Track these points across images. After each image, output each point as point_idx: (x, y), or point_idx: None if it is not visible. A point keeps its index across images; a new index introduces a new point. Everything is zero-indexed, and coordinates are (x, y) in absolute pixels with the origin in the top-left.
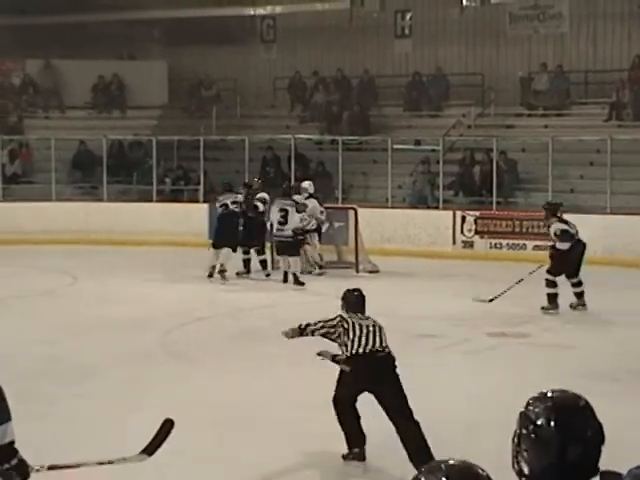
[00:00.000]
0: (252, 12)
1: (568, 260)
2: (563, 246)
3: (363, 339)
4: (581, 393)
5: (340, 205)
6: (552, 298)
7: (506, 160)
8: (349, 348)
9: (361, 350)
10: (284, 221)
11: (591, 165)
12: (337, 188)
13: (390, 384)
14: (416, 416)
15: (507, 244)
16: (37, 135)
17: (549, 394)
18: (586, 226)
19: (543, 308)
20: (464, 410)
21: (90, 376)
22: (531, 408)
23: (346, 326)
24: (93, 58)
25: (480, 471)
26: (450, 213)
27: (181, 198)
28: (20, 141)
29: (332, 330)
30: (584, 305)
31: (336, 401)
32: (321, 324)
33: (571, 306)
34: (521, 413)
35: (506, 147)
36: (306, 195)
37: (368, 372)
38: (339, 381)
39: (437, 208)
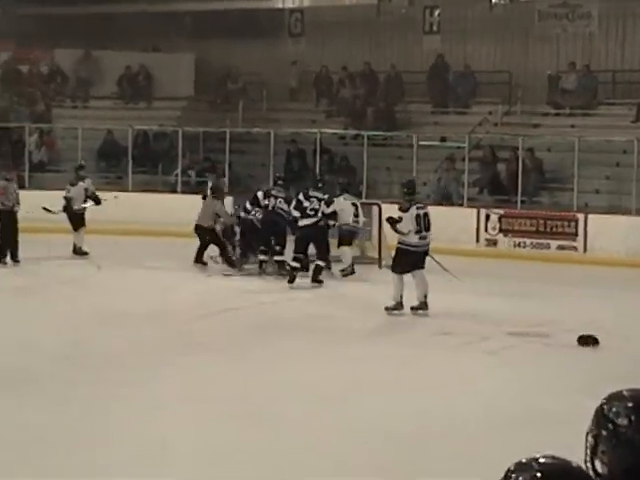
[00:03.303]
0: (280, 5)
1: None
2: None
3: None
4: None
5: (364, 200)
6: None
7: (532, 159)
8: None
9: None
10: (358, 214)
11: (617, 166)
12: (361, 183)
13: None
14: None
15: (531, 243)
16: (64, 124)
17: (627, 393)
18: (610, 227)
19: None
20: (480, 407)
21: (110, 363)
22: (610, 407)
23: None
24: (121, 49)
25: (573, 465)
26: (474, 211)
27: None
28: (46, 129)
29: None
30: None
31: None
32: None
33: None
34: (598, 412)
35: (532, 146)
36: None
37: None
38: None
39: (461, 205)
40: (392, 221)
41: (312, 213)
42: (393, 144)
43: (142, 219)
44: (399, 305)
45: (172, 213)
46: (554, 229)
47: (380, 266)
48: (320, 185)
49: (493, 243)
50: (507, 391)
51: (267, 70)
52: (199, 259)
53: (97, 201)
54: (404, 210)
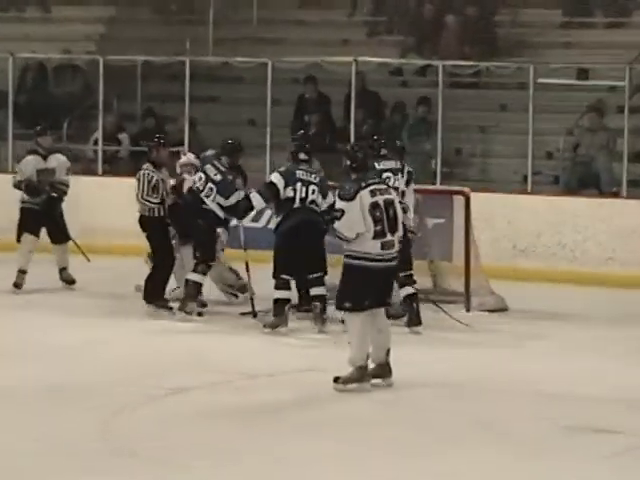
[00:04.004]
0: None
1: None
2: None
3: None
4: None
5: (438, 187)
6: None
7: None
8: None
9: None
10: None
11: None
12: (433, 156)
13: None
14: None
15: None
16: None
17: None
18: None
19: None
20: None
21: None
22: None
23: None
24: None
25: None
26: None
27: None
28: None
29: None
30: None
31: None
32: None
33: None
34: None
35: None
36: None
37: None
38: None
39: (617, 195)
40: (337, 215)
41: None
42: (492, 83)
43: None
44: (360, 373)
45: (86, 209)
46: None
47: (468, 307)
48: (384, 153)
49: None
50: None
51: None
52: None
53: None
54: (346, 197)
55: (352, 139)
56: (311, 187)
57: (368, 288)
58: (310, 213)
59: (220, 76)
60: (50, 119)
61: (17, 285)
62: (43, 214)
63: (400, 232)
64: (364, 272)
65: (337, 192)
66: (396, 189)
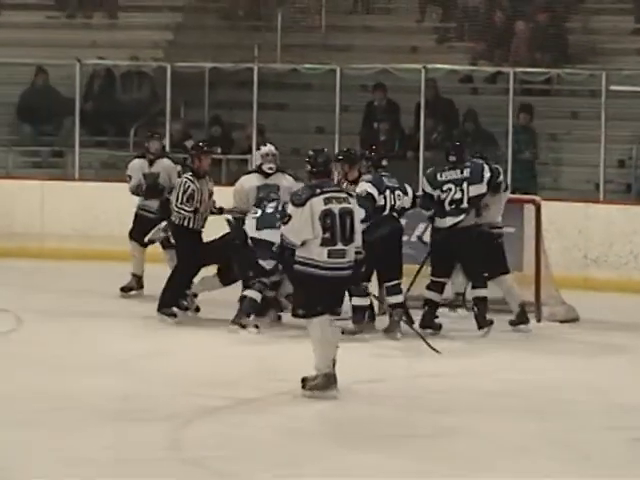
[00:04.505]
0: None
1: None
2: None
3: None
4: None
5: (509, 196)
6: None
7: None
8: None
9: None
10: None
11: None
12: (500, 161)
13: None
14: None
15: None
16: None
17: None
18: None
19: None
20: None
21: None
22: None
23: None
24: None
25: None
26: None
27: (213, 178)
28: None
29: None
30: None
31: None
32: None
33: None
34: None
35: None
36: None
37: None
38: None
39: None
40: (284, 220)
41: (453, 207)
42: (563, 91)
43: (98, 229)
44: (327, 380)
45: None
46: None
47: (539, 317)
48: (454, 159)
49: None
50: None
51: None
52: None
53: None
54: (295, 203)
55: (421, 147)
56: (396, 192)
57: (318, 294)
58: (395, 221)
59: (288, 83)
60: (117, 126)
61: (123, 289)
62: (158, 222)
63: (356, 242)
64: (311, 279)
65: (290, 197)
66: (458, 201)
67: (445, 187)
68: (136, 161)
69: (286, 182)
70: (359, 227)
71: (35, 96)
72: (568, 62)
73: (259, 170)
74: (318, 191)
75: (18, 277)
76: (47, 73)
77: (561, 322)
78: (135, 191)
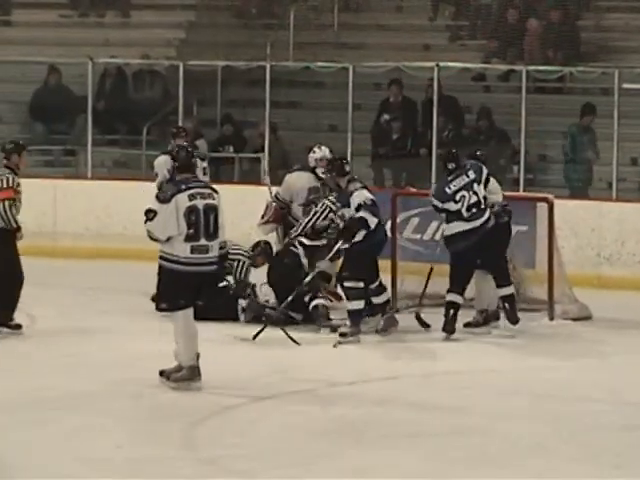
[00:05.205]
0: None
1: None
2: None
3: None
4: None
5: (521, 194)
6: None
7: None
8: None
9: None
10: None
11: None
12: (516, 162)
13: None
14: None
15: None
16: None
17: None
18: None
19: None
20: None
21: None
22: None
23: None
24: None
25: None
26: None
27: (225, 177)
28: None
29: None
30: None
31: None
32: None
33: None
34: None
35: None
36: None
37: None
38: None
39: None
40: (148, 216)
41: (474, 210)
42: (576, 89)
43: (111, 228)
44: (191, 372)
45: None
46: None
47: (552, 315)
48: (454, 166)
49: None
50: None
51: None
52: None
53: None
54: (161, 199)
55: (434, 145)
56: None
57: (182, 289)
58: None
59: (301, 81)
60: (129, 125)
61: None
62: None
63: (221, 238)
64: (174, 274)
65: (155, 194)
66: (476, 204)
67: (458, 196)
68: (162, 157)
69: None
70: (224, 223)
71: (48, 95)
72: (581, 60)
73: (313, 172)
74: (183, 187)
75: (31, 276)
76: (60, 72)
77: (574, 320)
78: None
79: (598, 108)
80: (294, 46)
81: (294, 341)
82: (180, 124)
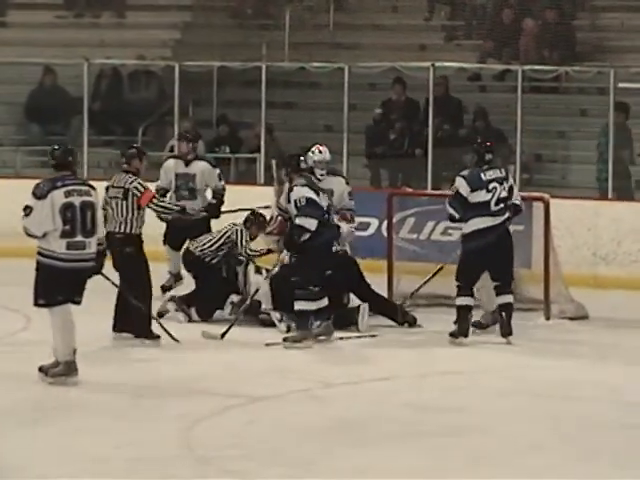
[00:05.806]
0: None
1: None
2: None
3: None
4: None
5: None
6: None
7: None
8: None
9: None
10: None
11: None
12: (512, 162)
13: None
14: None
15: None
16: None
17: None
18: None
19: None
20: None
21: None
22: None
23: None
24: None
25: None
26: None
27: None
28: None
29: None
30: None
31: None
32: None
33: None
34: None
35: None
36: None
37: None
38: None
39: None
40: (26, 212)
41: (502, 206)
42: (572, 88)
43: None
44: (68, 367)
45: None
46: None
47: (548, 315)
48: (491, 157)
49: None
50: None
51: None
52: None
53: None
54: (37, 195)
55: (430, 144)
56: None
57: (59, 285)
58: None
59: (296, 81)
60: (125, 126)
61: (162, 287)
62: (190, 227)
63: (98, 234)
64: (51, 270)
65: (32, 189)
66: (505, 199)
67: (491, 186)
68: (170, 161)
69: (339, 186)
70: (101, 220)
71: (43, 96)
72: (576, 60)
73: (312, 173)
74: (59, 184)
75: (27, 277)
76: (55, 73)
77: (570, 320)
78: (158, 191)
79: (595, 108)
80: (289, 46)
81: (173, 338)
82: (176, 125)
